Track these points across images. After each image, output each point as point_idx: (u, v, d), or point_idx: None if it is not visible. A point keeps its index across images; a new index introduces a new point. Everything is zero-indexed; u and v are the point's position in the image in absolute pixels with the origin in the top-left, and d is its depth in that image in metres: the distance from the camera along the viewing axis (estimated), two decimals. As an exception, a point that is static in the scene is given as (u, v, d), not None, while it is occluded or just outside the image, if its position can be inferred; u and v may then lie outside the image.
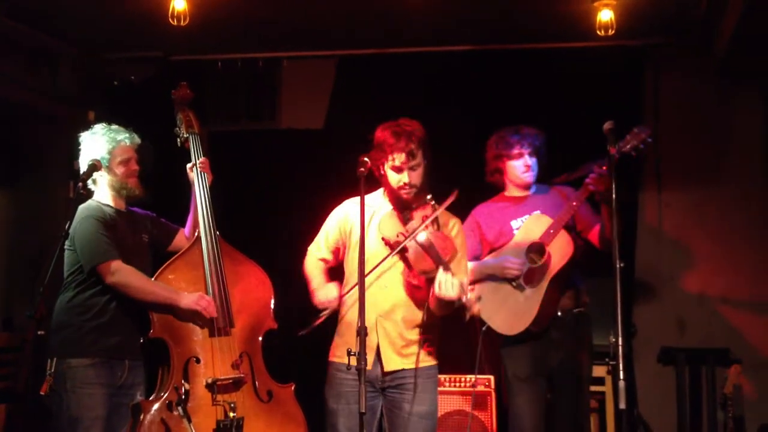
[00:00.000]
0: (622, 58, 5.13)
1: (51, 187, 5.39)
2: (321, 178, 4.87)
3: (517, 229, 3.96)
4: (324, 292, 3.49)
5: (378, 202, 3.55)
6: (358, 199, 3.35)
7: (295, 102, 5.54)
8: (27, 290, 5.22)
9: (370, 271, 3.35)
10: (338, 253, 3.61)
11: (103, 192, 3.75)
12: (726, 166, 5.20)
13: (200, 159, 3.84)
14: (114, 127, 3.78)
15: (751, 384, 4.74)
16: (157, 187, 3.99)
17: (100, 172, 3.69)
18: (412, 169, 3.39)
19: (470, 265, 3.84)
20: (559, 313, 3.90)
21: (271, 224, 5.11)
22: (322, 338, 3.63)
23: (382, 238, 3.39)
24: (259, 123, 5.60)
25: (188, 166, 3.87)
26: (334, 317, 3.53)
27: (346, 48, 5.36)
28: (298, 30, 5.08)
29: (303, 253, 3.68)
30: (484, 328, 3.94)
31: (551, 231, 3.82)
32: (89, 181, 3.70)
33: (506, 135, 4.02)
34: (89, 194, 3.74)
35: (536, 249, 3.85)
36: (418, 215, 3.44)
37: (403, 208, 3.48)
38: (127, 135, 3.77)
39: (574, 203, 3.82)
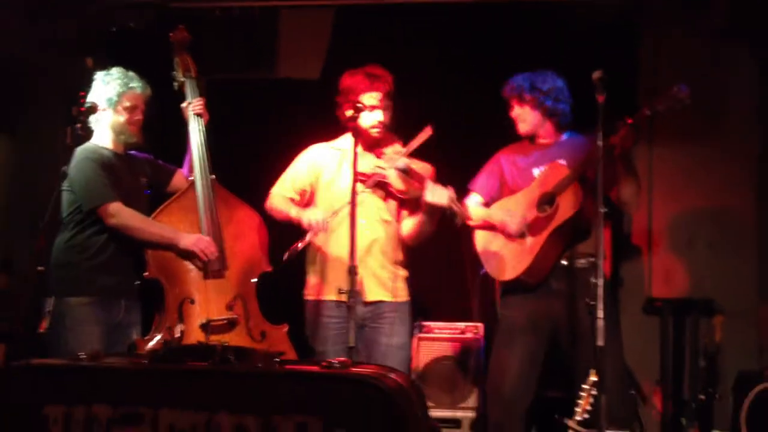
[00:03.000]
0: (619, 15, 5.10)
1: (49, 134, 5.38)
2: (317, 127, 4.87)
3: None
4: (312, 212, 3.63)
5: (347, 145, 3.69)
6: (325, 144, 3.74)
7: (292, 51, 5.53)
8: (25, 234, 5.28)
9: (340, 208, 3.51)
10: (304, 194, 3.77)
11: (103, 133, 3.78)
12: (719, 123, 5.20)
13: (195, 99, 3.86)
14: (131, 73, 3.80)
15: (731, 333, 4.84)
16: (153, 132, 4.02)
17: (104, 111, 3.70)
18: (386, 108, 3.64)
19: (480, 210, 3.90)
20: (564, 262, 3.75)
21: (266, 171, 5.14)
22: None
23: (359, 173, 3.47)
24: (256, 72, 5.59)
25: (183, 105, 3.89)
26: (304, 256, 3.67)
27: (345, -2, 5.37)
28: (297, -21, 5.08)
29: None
30: (482, 271, 3.93)
31: (565, 181, 3.68)
32: (90, 122, 3.71)
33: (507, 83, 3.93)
34: (88, 135, 3.76)
35: (547, 199, 3.72)
36: (389, 150, 3.67)
37: (373, 147, 3.69)
38: (140, 84, 3.80)
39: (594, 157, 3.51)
